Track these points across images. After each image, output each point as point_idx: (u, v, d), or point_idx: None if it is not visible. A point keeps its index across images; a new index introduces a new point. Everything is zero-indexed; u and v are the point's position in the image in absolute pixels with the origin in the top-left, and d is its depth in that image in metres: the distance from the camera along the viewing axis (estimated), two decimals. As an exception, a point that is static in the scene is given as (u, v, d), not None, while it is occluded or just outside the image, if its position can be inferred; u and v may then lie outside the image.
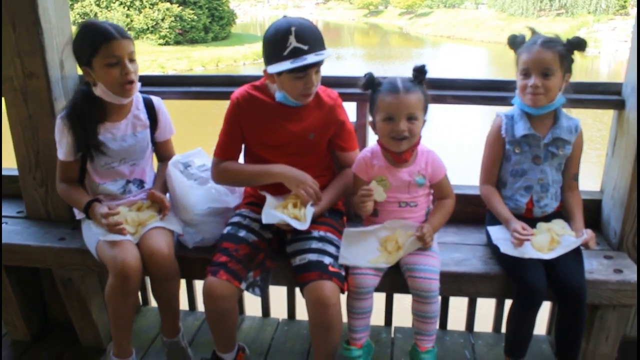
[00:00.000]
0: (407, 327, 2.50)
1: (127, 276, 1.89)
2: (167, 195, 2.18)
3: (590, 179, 2.41)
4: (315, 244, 1.92)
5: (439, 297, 1.89)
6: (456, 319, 2.56)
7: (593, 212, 2.31)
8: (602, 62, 23.87)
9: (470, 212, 2.32)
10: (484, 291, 2.04)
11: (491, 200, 2.08)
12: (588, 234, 1.90)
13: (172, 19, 25.59)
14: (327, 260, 1.87)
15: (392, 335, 2.50)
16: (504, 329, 2.42)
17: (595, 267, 2.01)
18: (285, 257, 1.99)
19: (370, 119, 2.00)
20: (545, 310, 2.22)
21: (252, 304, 2.68)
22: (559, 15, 34.08)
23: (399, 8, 53.03)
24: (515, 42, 2.02)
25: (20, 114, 2.25)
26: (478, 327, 2.52)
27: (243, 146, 2.13)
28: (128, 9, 25.80)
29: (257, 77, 2.16)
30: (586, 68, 20.75)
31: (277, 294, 2.59)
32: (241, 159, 2.15)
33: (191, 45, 26.02)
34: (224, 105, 2.13)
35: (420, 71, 1.91)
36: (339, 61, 24.27)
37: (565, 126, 2.01)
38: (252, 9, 68.82)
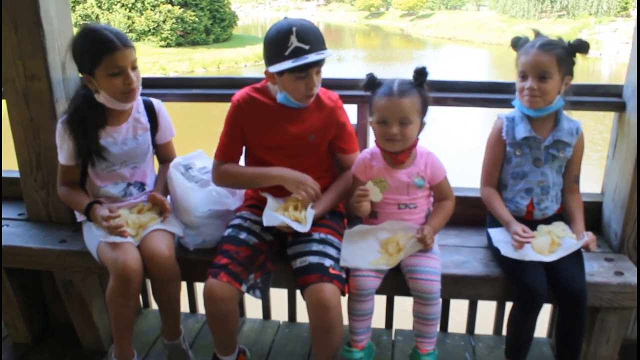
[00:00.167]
0: (407, 329, 2.50)
1: (128, 278, 1.89)
2: (168, 197, 2.19)
3: (592, 181, 2.40)
4: (315, 247, 1.92)
5: (440, 299, 1.89)
6: (457, 322, 2.56)
7: (594, 214, 2.30)
8: (604, 64, 23.86)
9: (471, 215, 2.31)
10: (484, 294, 2.04)
11: (492, 203, 2.08)
12: (589, 237, 1.90)
13: (174, 20, 25.60)
14: (328, 262, 1.87)
15: (393, 338, 2.49)
16: (504, 332, 2.41)
17: (596, 270, 2.01)
18: (286, 259, 1.99)
19: (370, 119, 2.00)
20: (545, 312, 2.21)
21: (252, 307, 2.68)
22: (560, 17, 34.08)
23: (400, 10, 53.03)
24: (518, 44, 2.02)
25: (22, 116, 2.25)
26: (479, 330, 2.52)
27: (244, 148, 2.14)
28: (129, 11, 25.82)
29: (257, 80, 2.16)
30: (587, 70, 20.75)
31: (278, 296, 2.58)
32: (242, 161, 2.15)
33: (192, 47, 26.03)
34: (224, 108, 2.13)
35: (420, 73, 1.91)
36: (340, 63, 24.29)
37: (566, 129, 2.01)
38: (254, 10, 68.84)
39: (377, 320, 2.22)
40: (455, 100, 2.28)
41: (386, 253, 1.94)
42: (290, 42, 1.83)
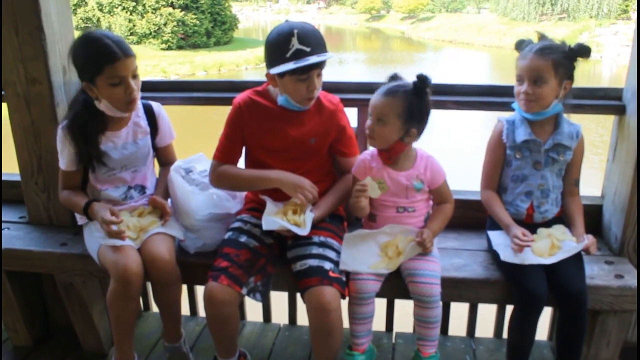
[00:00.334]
0: (408, 332, 2.50)
1: (129, 281, 1.89)
2: (169, 200, 2.19)
3: (593, 184, 2.40)
4: (315, 250, 1.92)
5: (441, 302, 1.89)
6: (457, 325, 2.56)
7: (594, 217, 2.30)
8: (604, 67, 23.87)
9: (471, 218, 2.32)
10: (484, 297, 2.04)
11: (492, 206, 2.08)
12: (589, 240, 1.91)
13: (175, 23, 25.64)
14: (328, 265, 1.88)
15: (393, 341, 2.49)
16: (505, 335, 2.41)
17: (596, 273, 2.01)
18: (286, 262, 1.99)
19: None
20: (546, 315, 2.21)
21: (253, 310, 2.69)
22: (561, 20, 34.10)
23: (401, 12, 53.07)
24: (521, 47, 2.01)
25: (23, 120, 2.26)
26: (479, 333, 2.51)
27: (244, 150, 2.14)
28: (130, 14, 25.87)
29: (258, 83, 2.17)
30: (588, 72, 20.75)
31: (278, 299, 2.59)
32: (242, 163, 2.16)
33: (193, 50, 26.07)
34: (224, 112, 2.13)
35: (419, 80, 1.88)
36: (341, 66, 24.31)
37: (566, 132, 2.01)
38: (255, 13, 68.86)
39: (378, 323, 2.22)
40: (455, 103, 2.28)
41: (386, 257, 1.94)
42: (291, 44, 1.84)
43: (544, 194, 2.04)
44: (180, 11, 25.90)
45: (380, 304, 2.25)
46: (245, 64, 24.79)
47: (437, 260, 1.96)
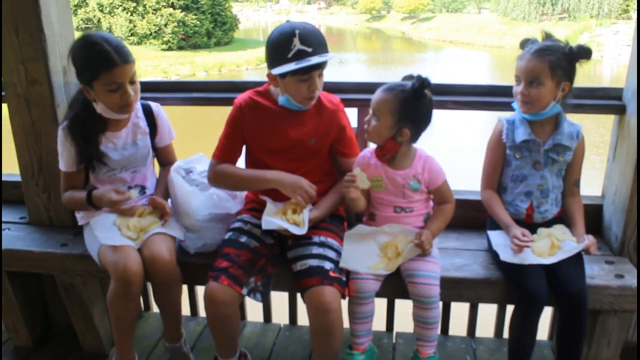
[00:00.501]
0: (408, 332, 2.50)
1: (129, 282, 1.89)
2: (169, 201, 2.19)
3: (595, 185, 2.40)
4: (315, 250, 1.92)
5: (440, 303, 1.89)
6: (458, 325, 2.56)
7: (594, 217, 2.30)
8: (605, 66, 23.86)
9: (471, 218, 2.32)
10: (484, 297, 2.04)
11: (492, 206, 2.08)
12: (589, 240, 1.90)
13: (175, 24, 25.66)
14: (328, 265, 1.88)
15: (394, 341, 2.50)
16: (505, 335, 2.41)
17: (597, 272, 2.01)
18: (287, 262, 1.99)
19: None
20: (547, 315, 2.21)
21: (253, 310, 2.69)
22: (562, 20, 34.09)
23: (401, 13, 53.07)
24: (525, 46, 2.00)
25: (24, 121, 2.26)
26: (480, 333, 2.51)
27: (244, 150, 2.14)
28: (131, 15, 25.88)
29: (258, 83, 2.17)
30: (588, 72, 20.74)
31: (279, 299, 2.59)
32: (242, 163, 2.16)
33: (194, 50, 26.08)
34: (224, 112, 2.13)
35: (417, 81, 1.88)
36: (342, 66, 24.32)
37: (566, 132, 2.01)
38: (255, 14, 68.85)
39: (378, 323, 2.22)
40: (455, 103, 2.28)
41: (385, 257, 1.94)
42: (293, 44, 1.85)
43: (544, 194, 2.04)
44: (181, 12, 25.92)
45: (381, 304, 2.25)
46: (246, 64, 24.80)
47: (436, 261, 1.96)
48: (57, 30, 2.20)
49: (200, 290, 2.25)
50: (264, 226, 1.91)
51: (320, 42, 1.90)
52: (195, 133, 10.02)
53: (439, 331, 2.09)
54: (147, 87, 2.46)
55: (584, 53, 1.91)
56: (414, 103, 1.89)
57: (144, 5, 25.83)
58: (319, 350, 1.94)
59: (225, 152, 2.09)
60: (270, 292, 2.05)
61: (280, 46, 1.87)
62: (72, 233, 2.32)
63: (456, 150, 9.15)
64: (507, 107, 2.10)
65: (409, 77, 1.95)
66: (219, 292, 1.85)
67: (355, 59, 27.70)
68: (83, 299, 2.27)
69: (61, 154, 2.08)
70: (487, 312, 2.54)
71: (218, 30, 28.00)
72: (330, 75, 2.06)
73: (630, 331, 2.27)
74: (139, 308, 2.70)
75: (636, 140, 2.05)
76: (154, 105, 2.24)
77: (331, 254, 1.93)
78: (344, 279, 1.90)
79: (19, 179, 2.43)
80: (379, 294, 1.95)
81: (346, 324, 1.92)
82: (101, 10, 26.39)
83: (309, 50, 1.86)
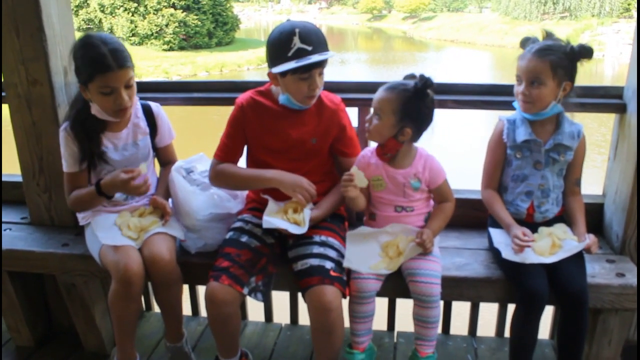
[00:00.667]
0: (409, 331, 2.48)
1: (130, 282, 1.89)
2: (170, 200, 2.19)
3: (597, 184, 2.40)
4: (316, 249, 1.92)
5: (440, 302, 1.89)
6: (459, 324, 2.56)
7: (595, 215, 2.30)
8: (607, 65, 23.83)
9: (472, 217, 2.31)
10: (485, 296, 2.04)
11: (493, 205, 2.08)
12: (590, 239, 1.90)
13: (176, 24, 25.66)
14: (329, 264, 1.88)
15: (395, 340, 2.50)
16: (506, 334, 2.42)
17: (598, 271, 2.01)
18: (288, 262, 2.00)
19: None
20: (548, 314, 2.21)
21: (254, 309, 2.69)
22: (563, 19, 34.02)
23: (402, 12, 53.04)
24: (526, 45, 2.00)
25: (24, 121, 2.26)
26: (481, 332, 2.51)
27: (245, 150, 2.15)
28: (132, 15, 25.88)
29: (259, 83, 2.17)
30: (590, 71, 20.72)
31: (280, 299, 2.59)
32: (243, 163, 2.16)
33: (195, 50, 26.07)
34: (224, 112, 2.14)
35: (420, 80, 1.89)
36: (343, 66, 24.31)
37: (567, 132, 2.00)
38: (256, 14, 68.84)
39: (379, 323, 2.22)
40: (455, 102, 2.28)
41: (387, 257, 1.94)
42: (293, 43, 1.85)
43: (545, 193, 2.04)
44: (182, 12, 25.91)
45: (382, 303, 2.25)
46: (247, 64, 24.79)
47: (437, 260, 1.96)
48: (58, 30, 2.20)
49: (201, 290, 2.25)
50: (265, 226, 1.92)
51: (320, 41, 1.90)
52: (196, 133, 10.02)
53: (438, 331, 2.09)
54: (148, 87, 2.47)
55: (586, 52, 1.91)
56: (416, 102, 1.89)
57: (145, 6, 25.83)
58: (319, 349, 1.94)
59: (226, 152, 2.09)
60: (271, 292, 2.06)
61: (281, 45, 1.87)
62: (73, 233, 2.33)
63: (456, 149, 9.13)
64: (508, 106, 2.10)
65: (411, 76, 1.95)
66: (219, 291, 1.85)
67: (356, 59, 27.69)
68: (84, 299, 2.27)
69: (64, 155, 2.08)
70: (489, 312, 2.54)
71: (219, 31, 27.99)
72: (331, 75, 2.07)
73: (631, 330, 2.27)
74: (140, 308, 2.70)
75: (636, 139, 2.04)
76: (154, 106, 2.24)
77: (332, 253, 1.93)
78: (344, 278, 1.90)
79: (20, 179, 2.44)
80: (380, 293, 1.95)
81: (347, 323, 1.92)
82: (102, 11, 26.40)
83: (309, 48, 1.86)
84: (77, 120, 2.04)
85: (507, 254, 1.92)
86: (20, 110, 2.25)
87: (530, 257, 1.89)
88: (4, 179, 2.63)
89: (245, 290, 1.89)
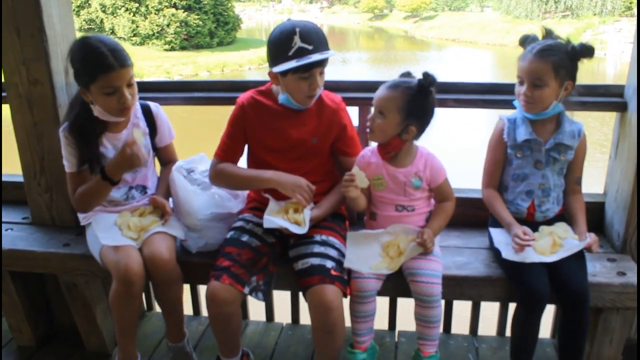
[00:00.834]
0: (410, 331, 2.49)
1: (131, 281, 1.90)
2: (170, 200, 2.20)
3: (600, 184, 2.39)
4: (317, 248, 1.92)
5: (442, 302, 1.89)
6: (460, 323, 2.56)
7: (596, 214, 2.30)
8: (608, 64, 23.79)
9: (472, 216, 2.31)
10: (486, 295, 2.04)
11: (493, 204, 2.08)
12: (591, 238, 1.90)
13: (178, 24, 25.67)
14: (329, 264, 1.88)
15: (396, 339, 2.50)
16: (508, 333, 2.42)
17: (599, 270, 2.00)
18: (288, 261, 2.00)
19: None
20: (549, 313, 2.21)
21: (256, 309, 2.69)
22: (565, 17, 33.99)
23: (404, 11, 53.03)
24: (525, 43, 2.00)
25: (25, 121, 2.27)
26: (482, 331, 2.51)
27: (246, 150, 2.15)
28: (134, 15, 25.89)
29: (260, 82, 2.17)
30: (592, 70, 20.70)
31: (281, 298, 2.59)
32: (244, 162, 2.16)
33: (197, 50, 26.09)
34: (225, 112, 2.14)
35: (424, 78, 1.88)
36: (345, 65, 24.30)
37: (567, 131, 2.00)
38: (257, 13, 68.84)
39: (380, 322, 2.22)
40: (456, 101, 2.28)
41: (387, 257, 1.94)
42: (293, 42, 1.85)
43: (545, 193, 2.03)
44: (183, 12, 25.92)
45: (383, 302, 2.25)
46: (248, 64, 24.80)
47: (438, 259, 1.95)
48: (59, 30, 2.20)
49: (202, 289, 2.26)
50: (266, 225, 1.92)
51: (320, 40, 1.90)
52: (196, 134, 10.02)
53: (440, 330, 2.09)
54: (149, 87, 2.47)
55: (587, 51, 1.90)
56: (421, 100, 1.88)
57: (147, 6, 25.85)
58: (321, 348, 1.94)
59: (226, 151, 2.09)
60: (272, 291, 2.06)
61: (281, 44, 1.87)
62: (74, 233, 2.33)
63: (456, 148, 9.12)
64: (508, 105, 2.10)
65: (407, 74, 1.95)
66: (220, 291, 1.85)
67: (357, 58, 27.68)
68: (86, 298, 2.28)
69: (65, 156, 2.08)
70: (490, 311, 2.54)
71: (220, 30, 28.00)
72: (333, 74, 2.06)
73: (632, 329, 2.27)
74: (142, 307, 2.71)
75: (637, 137, 2.04)
76: (153, 105, 2.24)
77: (333, 252, 1.93)
78: (345, 277, 1.90)
79: (21, 179, 2.44)
80: (381, 293, 1.95)
81: (348, 322, 1.93)
82: (104, 11, 26.42)
83: (310, 47, 1.86)
84: (75, 123, 2.04)
85: (508, 254, 1.92)
86: (21, 110, 2.25)
87: (531, 256, 1.89)
88: (5, 179, 2.63)
89: (246, 290, 1.89)
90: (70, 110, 2.10)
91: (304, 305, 2.10)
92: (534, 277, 1.86)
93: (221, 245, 2.03)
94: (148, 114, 2.21)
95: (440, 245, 2.07)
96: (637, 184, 2.07)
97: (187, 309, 2.39)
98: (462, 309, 2.51)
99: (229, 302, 1.86)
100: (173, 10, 25.82)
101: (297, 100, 1.97)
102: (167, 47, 25.60)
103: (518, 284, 1.91)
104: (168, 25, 25.58)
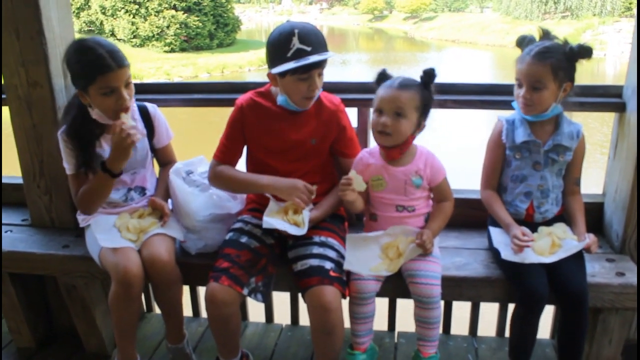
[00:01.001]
0: (410, 332, 2.49)
1: (130, 283, 1.90)
2: (169, 201, 2.20)
3: (599, 184, 2.39)
4: (316, 249, 1.92)
5: (441, 303, 1.89)
6: (459, 324, 2.56)
7: (595, 215, 2.30)
8: (608, 64, 23.80)
9: (471, 216, 2.31)
10: (485, 295, 2.04)
11: (492, 205, 2.08)
12: (590, 239, 1.90)
13: (178, 26, 25.71)
14: (328, 265, 1.88)
15: (396, 340, 2.50)
16: (507, 333, 2.42)
17: (598, 270, 2.00)
18: (287, 262, 2.00)
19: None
20: (548, 314, 2.21)
21: (255, 310, 2.69)
22: (564, 18, 34.01)
23: (403, 12, 53.10)
24: (522, 44, 2.00)
25: (25, 123, 2.27)
26: (481, 332, 2.51)
27: (245, 151, 2.15)
28: (133, 17, 25.93)
29: (259, 84, 2.18)
30: (592, 70, 20.71)
31: (281, 299, 2.60)
32: (243, 163, 2.16)
33: (196, 52, 26.12)
34: (224, 114, 2.14)
35: (427, 74, 1.90)
36: (345, 66, 24.31)
37: (566, 132, 2.00)
38: (257, 15, 68.84)
39: (380, 323, 2.22)
40: (455, 102, 2.28)
41: (387, 258, 1.94)
42: (292, 43, 1.85)
43: (544, 194, 2.03)
44: (183, 13, 25.97)
45: (383, 303, 2.25)
46: (248, 65, 24.82)
47: (437, 260, 1.95)
48: (58, 33, 2.21)
49: (202, 291, 2.26)
50: (264, 226, 1.92)
51: (319, 41, 1.90)
52: (195, 135, 10.01)
53: (440, 331, 2.09)
54: (149, 88, 2.47)
55: (585, 52, 1.90)
56: (429, 96, 1.92)
57: (146, 8, 25.89)
58: (320, 350, 1.94)
59: (225, 153, 2.09)
60: (271, 293, 2.06)
61: (280, 45, 1.88)
62: (73, 235, 2.33)
63: (456, 148, 9.12)
64: (507, 105, 2.10)
65: (382, 73, 1.97)
66: (219, 292, 1.85)
67: (357, 60, 27.70)
68: (85, 300, 2.28)
69: (64, 158, 2.08)
70: (489, 311, 2.54)
71: (220, 32, 28.04)
72: (332, 75, 2.06)
73: (631, 329, 2.27)
74: (141, 309, 2.71)
75: (636, 138, 2.04)
76: (150, 107, 2.24)
77: (332, 253, 1.93)
78: (344, 278, 1.90)
79: (20, 181, 2.44)
80: (380, 294, 1.95)
81: (347, 323, 1.93)
82: (103, 13, 26.46)
83: (308, 49, 1.86)
84: (72, 126, 2.04)
85: (507, 254, 1.92)
86: (20, 112, 2.26)
87: (530, 256, 1.89)
88: (4, 181, 2.63)
89: (245, 291, 1.89)
90: (67, 113, 2.10)
91: (303, 307, 2.10)
92: (533, 278, 1.86)
93: (220, 246, 2.03)
94: (145, 115, 2.21)
95: (439, 246, 2.06)
96: (636, 184, 2.07)
97: (187, 310, 2.39)
98: (461, 309, 2.50)
99: (228, 303, 1.87)
100: (173, 12, 25.86)
101: (295, 102, 1.97)
102: (167, 48, 25.64)
103: (517, 284, 1.91)
104: (168, 27, 25.62)
